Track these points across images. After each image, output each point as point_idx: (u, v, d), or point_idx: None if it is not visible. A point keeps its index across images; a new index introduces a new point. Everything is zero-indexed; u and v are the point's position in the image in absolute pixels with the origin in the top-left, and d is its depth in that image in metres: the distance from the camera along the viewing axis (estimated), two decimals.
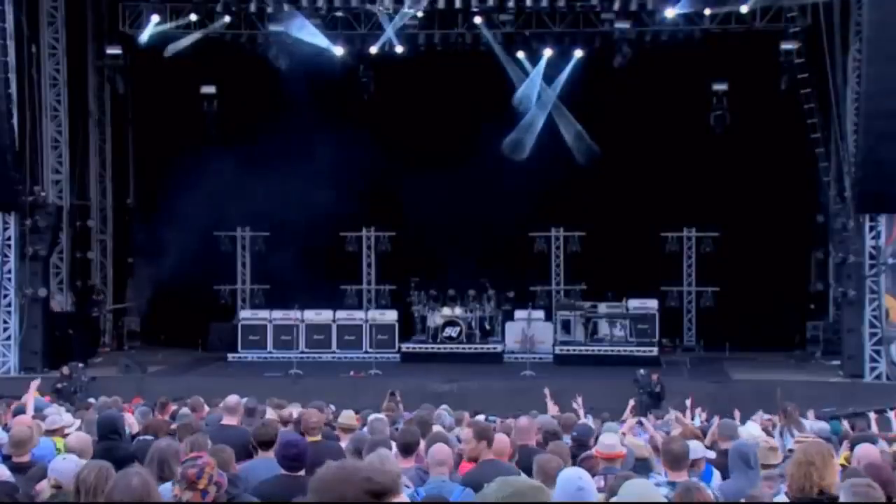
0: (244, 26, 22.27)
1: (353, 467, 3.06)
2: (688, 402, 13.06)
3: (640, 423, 11.82)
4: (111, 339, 24.09)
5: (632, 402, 13.81)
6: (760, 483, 6.55)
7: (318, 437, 7.84)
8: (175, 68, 22.37)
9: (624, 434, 9.19)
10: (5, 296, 20.06)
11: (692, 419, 12.35)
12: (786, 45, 20.93)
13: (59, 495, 5.72)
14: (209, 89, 23.31)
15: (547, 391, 13.62)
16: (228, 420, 8.51)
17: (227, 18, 21.75)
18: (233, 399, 8.76)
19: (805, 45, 20.65)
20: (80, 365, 17.74)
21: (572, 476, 4.94)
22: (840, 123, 20.33)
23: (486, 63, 22.36)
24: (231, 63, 22.64)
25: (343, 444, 8.01)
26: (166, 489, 5.05)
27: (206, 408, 10.86)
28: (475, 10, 21.11)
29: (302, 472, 6.26)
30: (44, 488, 5.99)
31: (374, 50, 21.99)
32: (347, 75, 22.50)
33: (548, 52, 22.34)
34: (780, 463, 8.10)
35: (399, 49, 22.14)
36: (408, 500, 5.24)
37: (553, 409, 12.78)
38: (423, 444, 7.35)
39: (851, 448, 7.82)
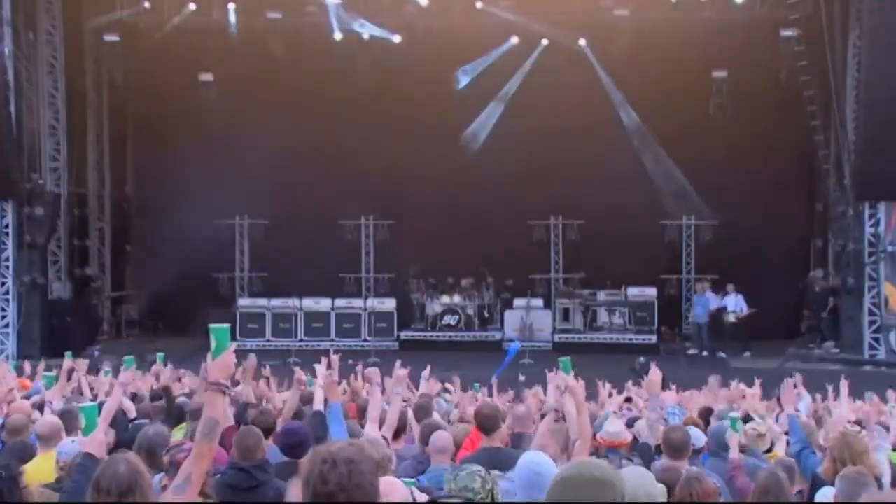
0: (242, 14, 22.14)
1: (363, 444, 3.18)
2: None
3: (629, 399, 11.77)
4: (110, 328, 24.06)
5: (629, 386, 13.77)
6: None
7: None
8: (172, 56, 22.28)
9: (615, 413, 9.14)
10: (3, 284, 20.06)
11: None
12: (785, 33, 20.84)
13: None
14: (207, 77, 23.21)
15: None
16: None
17: (231, 6, 21.62)
18: None
19: (805, 32, 20.57)
20: (97, 352, 17.71)
21: (531, 460, 4.63)
22: (840, 111, 20.26)
23: (485, 49, 22.29)
24: (228, 50, 22.51)
25: None
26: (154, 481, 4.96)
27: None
28: None
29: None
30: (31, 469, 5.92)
31: (366, 36, 21.87)
32: (345, 62, 22.38)
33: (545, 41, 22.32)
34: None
35: (396, 39, 22.06)
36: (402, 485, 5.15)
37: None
38: (417, 429, 7.32)
39: None
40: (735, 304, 21.55)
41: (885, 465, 6.75)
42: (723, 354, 21.11)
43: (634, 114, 22.33)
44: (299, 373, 8.51)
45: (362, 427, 7.30)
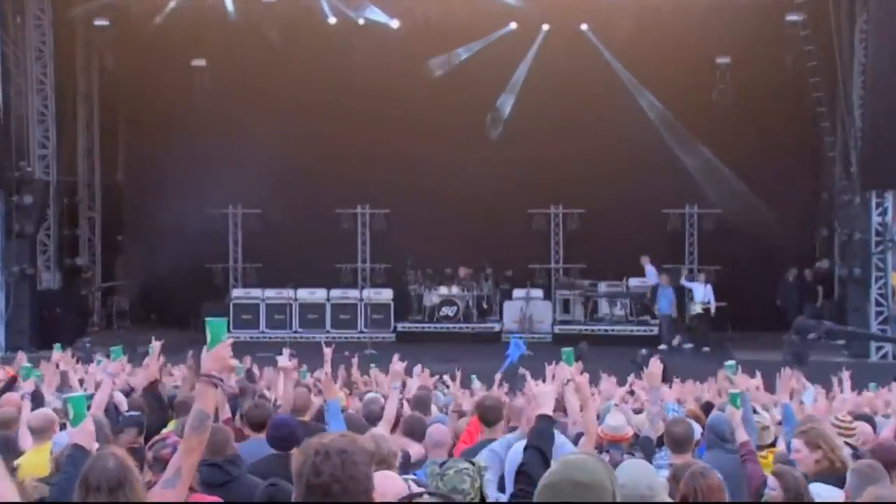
0: None
1: (356, 436, 3.18)
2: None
3: (632, 392, 11.54)
4: (100, 319, 23.70)
5: (631, 379, 13.51)
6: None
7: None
8: (165, 41, 21.88)
9: (617, 405, 8.91)
10: None
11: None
12: (791, 17, 20.49)
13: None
14: (200, 63, 22.81)
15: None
16: None
17: None
18: None
19: (811, 17, 20.21)
20: (88, 342, 17.43)
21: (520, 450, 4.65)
22: (846, 98, 19.91)
23: (482, 36, 21.94)
24: (222, 36, 22.10)
25: None
26: None
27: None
28: None
29: (294, 451, 6.01)
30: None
31: (361, 21, 21.50)
32: (341, 48, 22.00)
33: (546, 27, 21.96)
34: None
35: (395, 24, 21.69)
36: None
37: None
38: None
39: None
40: (703, 296, 21.12)
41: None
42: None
43: (657, 102, 21.92)
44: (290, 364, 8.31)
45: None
